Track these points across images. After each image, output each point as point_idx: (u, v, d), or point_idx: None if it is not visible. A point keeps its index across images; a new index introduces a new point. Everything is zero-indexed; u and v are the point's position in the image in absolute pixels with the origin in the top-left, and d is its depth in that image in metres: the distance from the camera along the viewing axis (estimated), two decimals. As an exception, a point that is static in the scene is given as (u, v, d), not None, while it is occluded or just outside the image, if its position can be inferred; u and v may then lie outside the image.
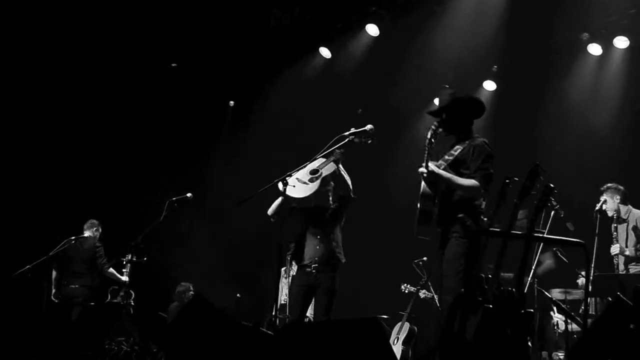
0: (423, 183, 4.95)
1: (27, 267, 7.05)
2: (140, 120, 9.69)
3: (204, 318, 4.29)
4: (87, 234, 8.14)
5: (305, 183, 5.78)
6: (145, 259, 8.38)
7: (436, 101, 9.50)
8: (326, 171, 5.85)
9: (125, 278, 8.29)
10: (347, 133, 5.04)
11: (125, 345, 6.49)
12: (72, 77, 9.09)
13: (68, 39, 8.70)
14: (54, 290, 7.85)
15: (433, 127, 4.96)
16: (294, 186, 5.67)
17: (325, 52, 9.38)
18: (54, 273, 7.91)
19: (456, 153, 4.94)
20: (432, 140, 4.89)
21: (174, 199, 6.91)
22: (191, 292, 9.25)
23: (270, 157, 9.45)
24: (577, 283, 7.28)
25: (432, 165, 4.81)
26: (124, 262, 8.08)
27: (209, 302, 4.40)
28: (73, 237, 7.47)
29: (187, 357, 4.31)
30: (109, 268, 8.19)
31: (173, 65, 9.78)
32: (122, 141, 9.66)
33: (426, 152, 4.85)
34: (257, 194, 5.15)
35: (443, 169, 4.90)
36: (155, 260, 8.72)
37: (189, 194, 6.95)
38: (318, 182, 5.78)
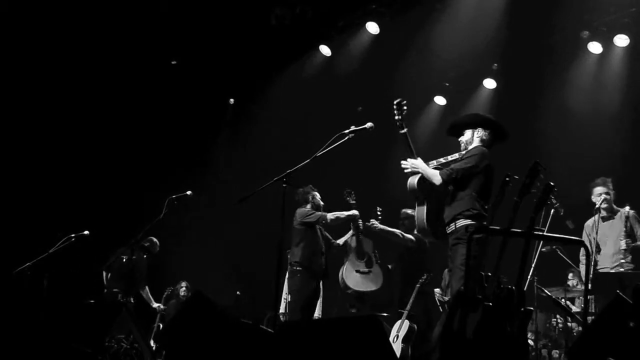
0: (409, 180, 5.29)
1: (27, 264, 7.05)
2: (140, 118, 9.68)
3: (203, 315, 4.30)
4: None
5: (366, 273, 7.36)
6: (145, 256, 8.40)
7: (439, 100, 9.59)
8: (368, 248, 7.46)
9: (156, 305, 8.73)
10: (347, 131, 5.04)
11: (125, 343, 6.49)
12: (72, 75, 9.08)
13: (67, 37, 8.69)
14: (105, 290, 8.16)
15: (396, 114, 5.24)
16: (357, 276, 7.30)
17: (325, 50, 9.37)
18: (104, 274, 8.25)
19: (452, 158, 5.34)
20: (404, 125, 5.24)
21: (173, 196, 6.89)
22: (183, 289, 9.26)
23: (270, 154, 9.45)
24: (568, 284, 7.31)
25: (411, 160, 5.25)
26: (164, 295, 9.02)
27: (209, 299, 4.40)
28: (73, 235, 7.46)
29: (187, 355, 4.31)
30: (144, 287, 8.53)
31: (173, 62, 9.77)
32: (121, 139, 9.65)
33: (408, 141, 5.27)
34: (257, 191, 5.17)
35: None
36: (155, 257, 8.73)
37: (189, 192, 6.95)
38: (375, 266, 7.41)
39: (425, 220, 5.22)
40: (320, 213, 6.97)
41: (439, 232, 5.25)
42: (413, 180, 5.28)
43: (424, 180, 5.22)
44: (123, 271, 8.02)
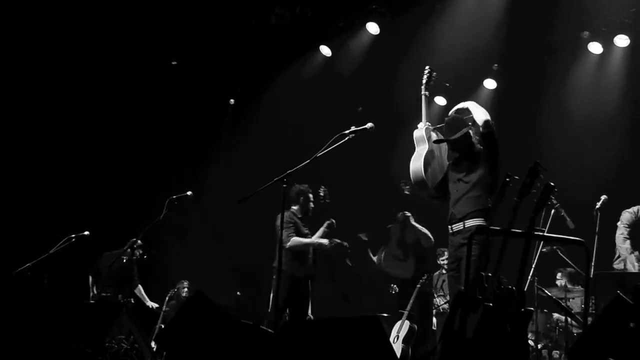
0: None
1: (27, 265, 7.05)
2: (141, 118, 9.69)
3: (204, 316, 4.29)
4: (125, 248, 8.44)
5: (402, 260, 7.74)
6: (145, 256, 8.41)
7: (439, 100, 9.57)
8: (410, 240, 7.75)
9: (150, 304, 8.64)
10: (347, 131, 5.03)
11: (126, 344, 6.49)
12: (73, 76, 9.08)
13: (67, 38, 8.70)
14: (91, 294, 8.15)
15: (424, 79, 5.59)
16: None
17: (325, 50, 9.37)
18: (90, 279, 8.25)
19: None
20: (426, 89, 5.57)
21: (174, 197, 6.89)
22: (185, 289, 9.27)
23: (270, 155, 9.45)
24: (557, 284, 7.34)
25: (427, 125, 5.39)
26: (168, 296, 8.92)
27: (210, 299, 4.40)
28: (73, 235, 7.47)
29: (187, 355, 4.31)
30: (136, 286, 8.48)
31: (173, 63, 9.77)
32: (122, 139, 9.66)
33: (423, 104, 5.49)
34: (257, 192, 5.16)
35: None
36: (156, 258, 8.73)
37: (189, 192, 6.94)
38: (410, 258, 7.72)
39: (422, 167, 5.26)
40: (286, 234, 6.54)
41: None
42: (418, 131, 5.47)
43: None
44: (116, 275, 8.05)
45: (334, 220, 6.89)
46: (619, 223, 6.68)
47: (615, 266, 6.60)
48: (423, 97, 5.58)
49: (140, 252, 8.26)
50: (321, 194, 6.88)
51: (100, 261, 8.26)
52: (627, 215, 6.68)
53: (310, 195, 6.85)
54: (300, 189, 6.78)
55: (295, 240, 6.61)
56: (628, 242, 6.56)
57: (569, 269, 7.45)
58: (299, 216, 6.80)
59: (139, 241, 8.35)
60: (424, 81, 5.64)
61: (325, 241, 6.74)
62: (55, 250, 7.29)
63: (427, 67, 5.70)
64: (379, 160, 9.54)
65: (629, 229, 6.62)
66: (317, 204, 6.90)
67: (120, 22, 8.69)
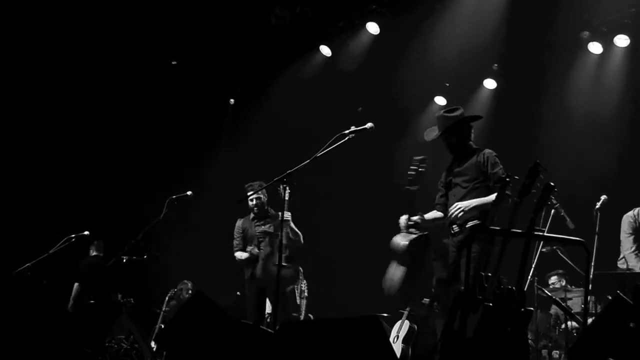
0: (395, 240, 5.01)
1: (27, 265, 7.06)
2: (140, 118, 9.69)
3: (204, 316, 4.29)
4: (93, 253, 8.44)
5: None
6: (145, 257, 8.41)
7: (439, 100, 9.57)
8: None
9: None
10: (347, 131, 5.03)
11: (125, 343, 6.50)
12: (73, 76, 9.09)
13: (67, 38, 8.70)
14: (70, 303, 8.20)
15: (412, 169, 4.96)
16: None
17: (325, 50, 9.37)
18: (75, 286, 8.32)
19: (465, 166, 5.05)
20: (416, 183, 4.94)
21: (174, 197, 6.90)
22: (189, 291, 9.27)
23: (270, 155, 9.45)
24: (550, 285, 7.32)
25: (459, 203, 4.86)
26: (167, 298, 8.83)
27: (210, 299, 4.40)
28: (73, 235, 7.48)
29: (187, 355, 4.31)
30: (115, 292, 8.49)
31: (173, 63, 9.77)
32: (121, 139, 9.66)
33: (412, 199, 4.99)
34: (257, 192, 5.17)
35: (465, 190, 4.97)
36: (155, 258, 8.73)
37: (189, 192, 6.95)
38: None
39: (399, 284, 4.99)
40: (234, 244, 6.77)
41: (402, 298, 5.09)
42: (402, 242, 5.01)
43: (415, 244, 4.97)
44: (86, 286, 8.12)
45: (289, 214, 6.30)
46: (622, 233, 6.56)
47: (619, 265, 6.59)
48: (411, 192, 5.01)
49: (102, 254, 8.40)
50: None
51: (83, 266, 8.31)
52: (626, 222, 6.59)
53: (250, 194, 6.56)
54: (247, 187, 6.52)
55: (237, 255, 6.75)
56: (630, 244, 6.50)
57: (560, 271, 7.45)
58: (252, 216, 6.78)
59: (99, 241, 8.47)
60: (411, 172, 4.96)
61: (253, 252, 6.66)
62: (55, 250, 7.30)
63: (416, 158, 4.98)
64: (379, 160, 9.54)
65: (633, 235, 6.55)
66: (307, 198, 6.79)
67: (121, 22, 8.70)
